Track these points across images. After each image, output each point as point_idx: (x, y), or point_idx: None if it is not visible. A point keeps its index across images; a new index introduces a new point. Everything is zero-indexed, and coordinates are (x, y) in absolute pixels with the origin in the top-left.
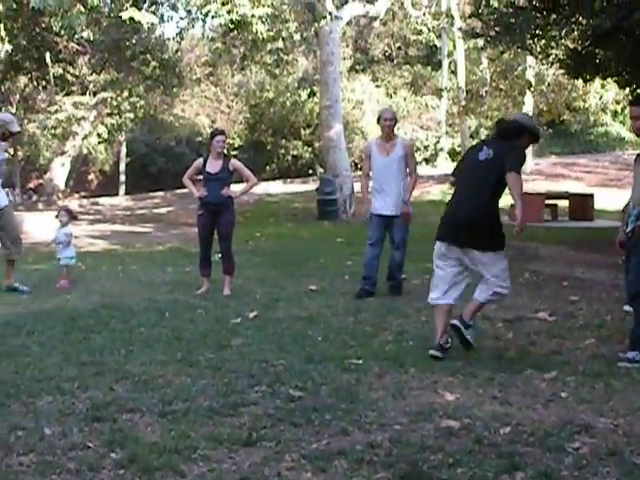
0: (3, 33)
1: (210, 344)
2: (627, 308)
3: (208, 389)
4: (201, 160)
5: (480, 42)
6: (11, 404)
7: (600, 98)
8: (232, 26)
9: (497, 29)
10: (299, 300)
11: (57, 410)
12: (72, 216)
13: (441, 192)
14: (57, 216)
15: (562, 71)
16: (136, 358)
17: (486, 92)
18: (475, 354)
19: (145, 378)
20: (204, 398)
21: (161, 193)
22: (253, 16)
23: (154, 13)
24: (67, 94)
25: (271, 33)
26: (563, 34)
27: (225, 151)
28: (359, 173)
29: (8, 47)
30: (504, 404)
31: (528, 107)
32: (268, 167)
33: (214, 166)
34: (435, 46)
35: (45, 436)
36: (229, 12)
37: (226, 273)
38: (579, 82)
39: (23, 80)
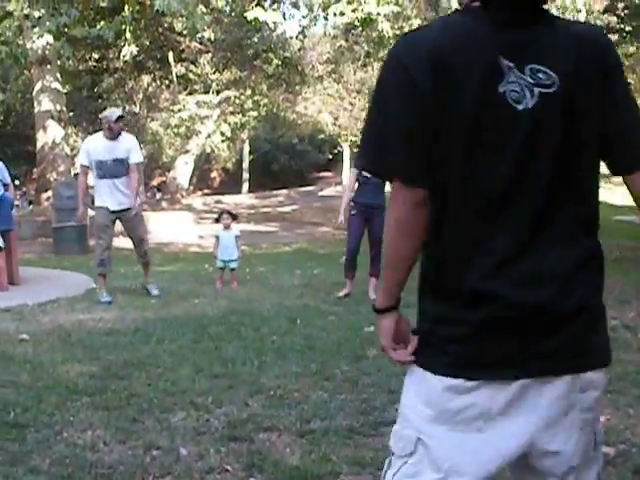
0: (129, 35)
1: (345, 354)
2: None
3: (346, 406)
4: None
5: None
6: (145, 420)
7: None
8: (358, 24)
9: (634, 24)
10: None
11: (192, 427)
12: (234, 217)
13: None
14: (218, 220)
15: None
16: (270, 370)
17: None
18: (620, 368)
19: (280, 392)
20: (343, 416)
21: (284, 191)
22: (379, 14)
23: (275, 11)
24: (190, 93)
25: (397, 31)
26: None
27: None
28: None
29: (134, 49)
30: None
31: None
32: None
33: None
34: None
35: (181, 457)
36: (354, 10)
37: (373, 275)
38: None
39: (146, 79)
